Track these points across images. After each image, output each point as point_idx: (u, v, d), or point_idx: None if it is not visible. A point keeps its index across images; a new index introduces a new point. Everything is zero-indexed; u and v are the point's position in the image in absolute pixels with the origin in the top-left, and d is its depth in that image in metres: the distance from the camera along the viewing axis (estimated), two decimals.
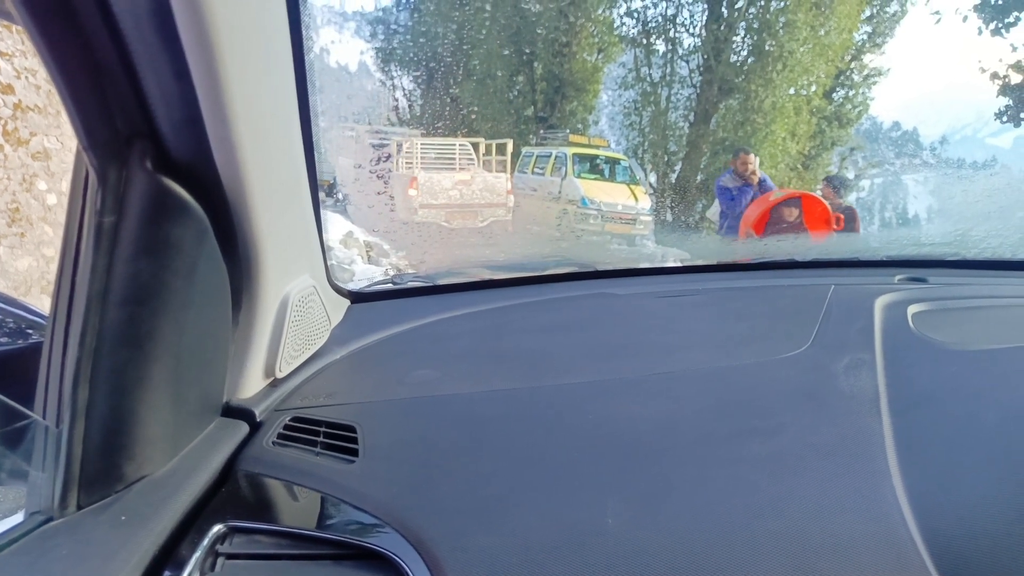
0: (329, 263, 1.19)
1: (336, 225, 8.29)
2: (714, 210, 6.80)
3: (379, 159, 15.72)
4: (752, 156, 6.12)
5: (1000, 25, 8.89)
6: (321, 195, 1.06)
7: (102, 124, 0.68)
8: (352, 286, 1.37)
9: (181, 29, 0.66)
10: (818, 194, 5.85)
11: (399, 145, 14.79)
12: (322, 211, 1.10)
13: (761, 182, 6.02)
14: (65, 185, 3.21)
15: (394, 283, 1.50)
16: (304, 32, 0.86)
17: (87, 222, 0.71)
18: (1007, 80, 9.08)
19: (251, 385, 0.97)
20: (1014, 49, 9.20)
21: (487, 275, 1.55)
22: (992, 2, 8.89)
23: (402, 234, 11.66)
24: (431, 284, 1.48)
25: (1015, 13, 8.78)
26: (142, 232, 0.70)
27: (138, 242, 0.70)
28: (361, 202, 13.56)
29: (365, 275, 6.66)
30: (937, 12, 9.97)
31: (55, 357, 0.74)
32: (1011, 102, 9.18)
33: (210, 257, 0.79)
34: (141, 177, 0.70)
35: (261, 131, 0.80)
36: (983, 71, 9.57)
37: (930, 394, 0.98)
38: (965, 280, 1.58)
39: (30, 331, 1.05)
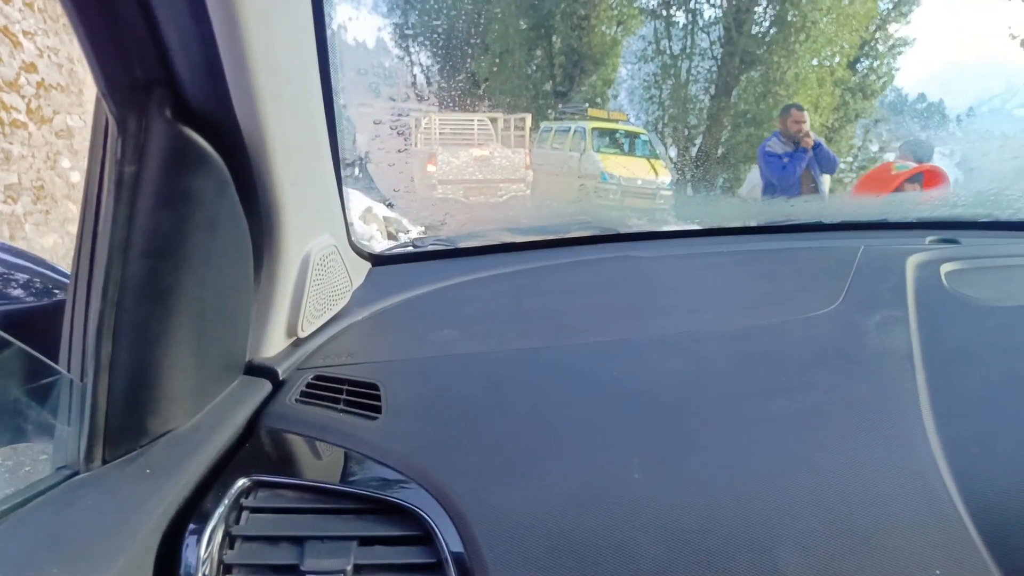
0: (349, 224, 1.19)
1: (355, 201, 8.30)
2: (750, 186, 6.36)
3: (397, 134, 15.74)
4: (805, 113, 5.33)
5: None
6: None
7: (121, 69, 0.67)
8: (372, 248, 1.36)
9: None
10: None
11: (417, 121, 14.79)
12: (342, 172, 1.10)
13: (816, 146, 5.28)
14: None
15: (415, 246, 1.49)
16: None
17: (107, 172, 0.70)
18: None
19: (273, 344, 0.97)
20: None
21: (508, 238, 1.54)
22: None
23: (421, 209, 11.67)
24: (452, 247, 1.48)
25: None
26: (163, 182, 0.69)
27: (159, 193, 0.69)
28: (379, 177, 13.60)
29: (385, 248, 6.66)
30: None
31: (78, 310, 0.74)
32: None
33: (231, 211, 0.79)
34: (161, 125, 0.69)
35: (281, 81, 0.79)
36: (1013, 38, 9.31)
37: (966, 350, 0.96)
38: (999, 241, 1.54)
39: (56, 291, 1.06)
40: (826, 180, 5.44)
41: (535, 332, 1.11)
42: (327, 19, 0.88)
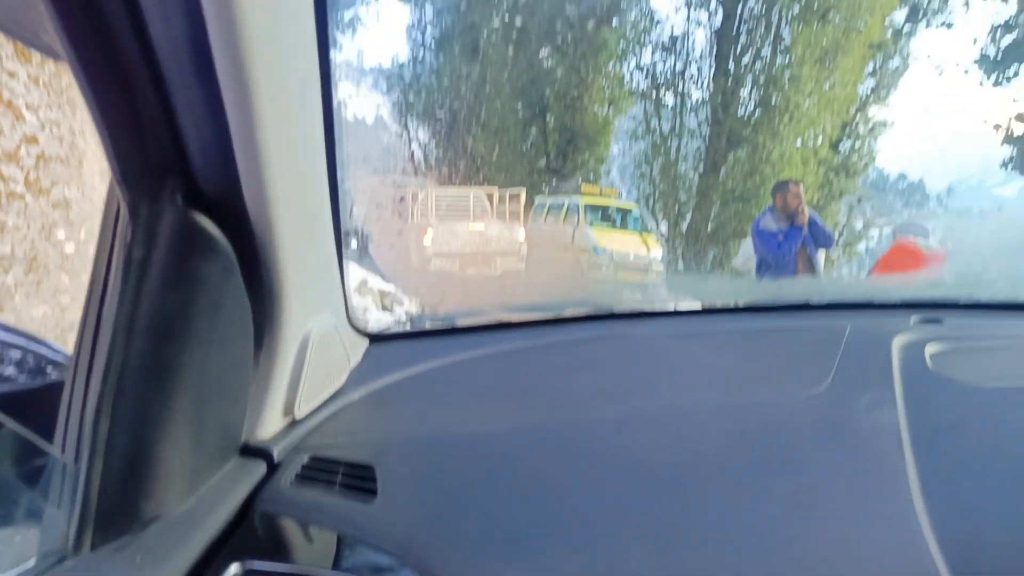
0: (348, 299, 1.20)
1: (351, 273, 8.30)
2: (744, 257, 6.28)
3: (394, 209, 15.93)
4: (801, 188, 5.15)
5: (1001, 77, 9.01)
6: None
7: (136, 158, 0.69)
8: (370, 327, 1.37)
9: (218, 67, 0.67)
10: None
11: (414, 195, 14.99)
12: (344, 249, 1.11)
13: (811, 222, 5.08)
14: (84, 233, 3.26)
15: (412, 324, 1.51)
16: (333, 77, 0.87)
17: (116, 256, 0.72)
18: (1010, 131, 9.16)
19: (270, 425, 0.97)
20: (1015, 100, 9.30)
21: (504, 317, 1.55)
22: (991, 57, 9.01)
23: (416, 282, 11.71)
24: (449, 326, 1.49)
25: (1015, 65, 8.90)
26: (171, 266, 0.70)
27: (166, 276, 0.70)
28: (375, 251, 13.69)
29: (380, 322, 6.65)
30: (939, 66, 10.11)
31: (77, 391, 0.74)
32: (1015, 152, 9.25)
33: (235, 292, 0.79)
34: (172, 211, 0.70)
35: (290, 167, 0.81)
36: (986, 122, 9.66)
37: (952, 429, 0.98)
38: (981, 321, 1.58)
39: (50, 369, 1.05)
40: (820, 256, 5.34)
41: (532, 411, 1.11)
42: (335, 103, 0.90)
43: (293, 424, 1.02)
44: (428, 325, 1.52)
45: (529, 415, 1.10)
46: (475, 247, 13.26)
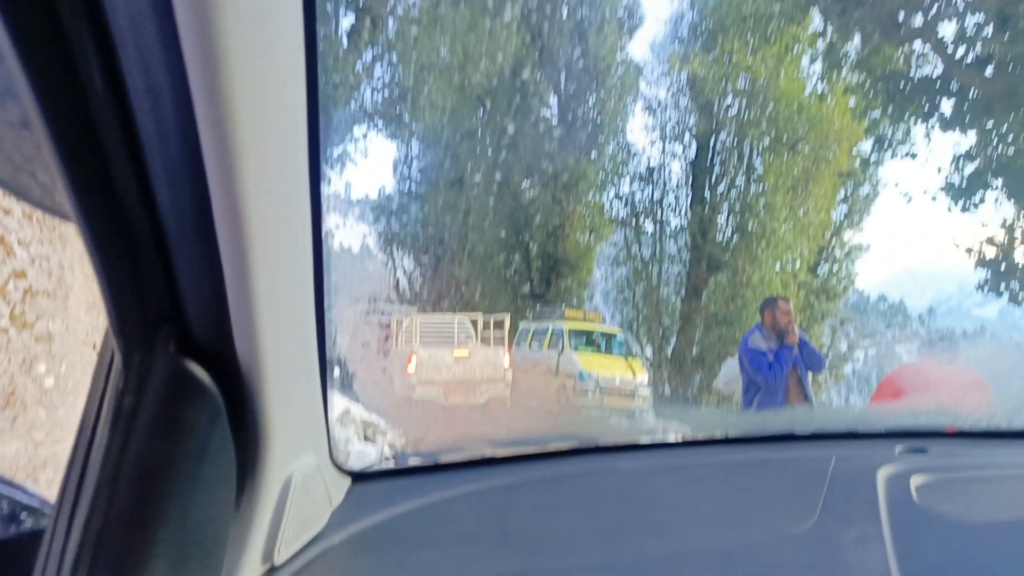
0: (331, 437, 1.19)
1: (333, 404, 8.16)
2: (726, 378, 5.65)
3: (378, 336, 15.89)
4: (791, 304, 4.98)
5: (967, 203, 9.42)
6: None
7: (134, 310, 0.71)
8: (353, 465, 1.36)
9: (218, 225, 0.70)
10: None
11: (399, 322, 15.00)
12: (328, 390, 1.11)
13: (801, 342, 4.87)
14: (64, 367, 3.23)
15: (395, 462, 1.49)
16: (324, 220, 0.89)
17: (107, 402, 0.72)
18: (982, 254, 9.47)
19: (248, 571, 0.94)
20: (984, 225, 9.69)
21: (489, 451, 1.54)
22: (956, 185, 9.47)
23: (400, 411, 11.53)
24: (432, 462, 1.48)
25: (979, 192, 9.33)
26: (160, 414, 0.71)
27: (155, 423, 0.70)
28: (359, 380, 13.52)
29: (362, 454, 6.50)
30: (907, 193, 10.59)
31: (57, 541, 0.72)
32: (989, 275, 9.52)
33: (221, 438, 0.80)
34: (164, 360, 0.72)
35: (282, 314, 0.83)
36: (958, 246, 10.01)
37: (940, 568, 0.97)
38: (966, 450, 1.58)
39: (25, 515, 1.02)
40: (809, 379, 5.08)
41: (517, 555, 1.08)
42: (325, 246, 0.92)
43: (272, 571, 1.00)
44: (411, 461, 1.50)
45: (514, 559, 1.07)
46: (459, 374, 13.16)
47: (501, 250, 20.78)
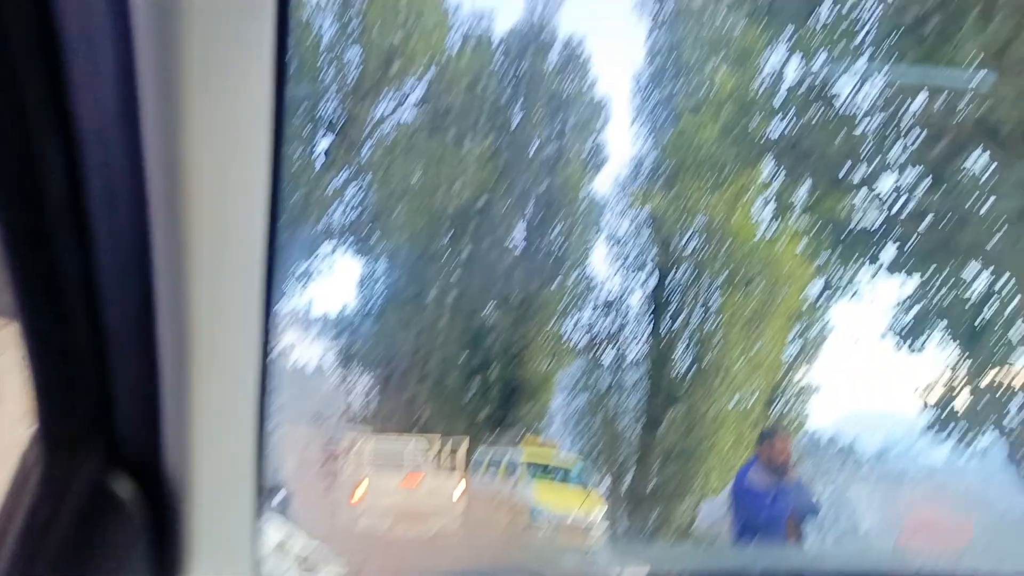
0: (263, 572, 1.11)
1: (273, 530, 7.74)
2: (711, 520, 5.24)
3: (326, 459, 15.35)
4: (791, 440, 4.62)
5: (912, 347, 9.75)
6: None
7: (63, 417, 0.69)
8: None
9: (161, 337, 0.69)
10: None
11: (349, 445, 14.58)
12: (264, 515, 1.05)
13: (798, 484, 4.50)
14: None
15: None
16: (273, 337, 0.86)
17: (19, 515, 0.68)
18: (927, 399, 9.72)
19: None
20: (928, 369, 10.00)
21: None
22: (900, 329, 9.84)
23: (344, 542, 10.97)
24: None
25: (923, 336, 9.68)
26: (75, 530, 0.67)
27: (69, 540, 0.67)
28: (302, 506, 12.92)
29: None
30: (854, 335, 10.97)
31: None
32: (934, 418, 9.72)
33: (139, 561, 0.75)
34: (88, 471, 0.69)
35: (220, 432, 0.80)
36: (902, 389, 10.29)
37: None
38: None
39: None
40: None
41: None
42: (274, 367, 0.90)
43: None
44: None
45: None
46: (410, 504, 12.68)
47: (461, 374, 20.65)
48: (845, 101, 9.23)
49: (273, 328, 0.84)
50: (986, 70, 7.42)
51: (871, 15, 8.76)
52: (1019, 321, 8.50)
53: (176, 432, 0.74)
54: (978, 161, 8.28)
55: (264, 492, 0.99)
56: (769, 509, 4.24)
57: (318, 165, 18.87)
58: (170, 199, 0.65)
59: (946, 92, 7.89)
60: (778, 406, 21.63)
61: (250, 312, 0.80)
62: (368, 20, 18.41)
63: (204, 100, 0.64)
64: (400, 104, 19.95)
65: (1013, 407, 8.94)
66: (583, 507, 13.59)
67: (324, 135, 19.13)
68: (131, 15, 0.61)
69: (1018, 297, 8.15)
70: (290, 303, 22.32)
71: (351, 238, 20.19)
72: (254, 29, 0.66)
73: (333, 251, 20.19)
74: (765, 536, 4.17)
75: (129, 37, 0.62)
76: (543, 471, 14.62)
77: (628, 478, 19.97)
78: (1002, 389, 9.06)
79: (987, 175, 7.84)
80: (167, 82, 0.63)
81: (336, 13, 18.69)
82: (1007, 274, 8.38)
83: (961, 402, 9.57)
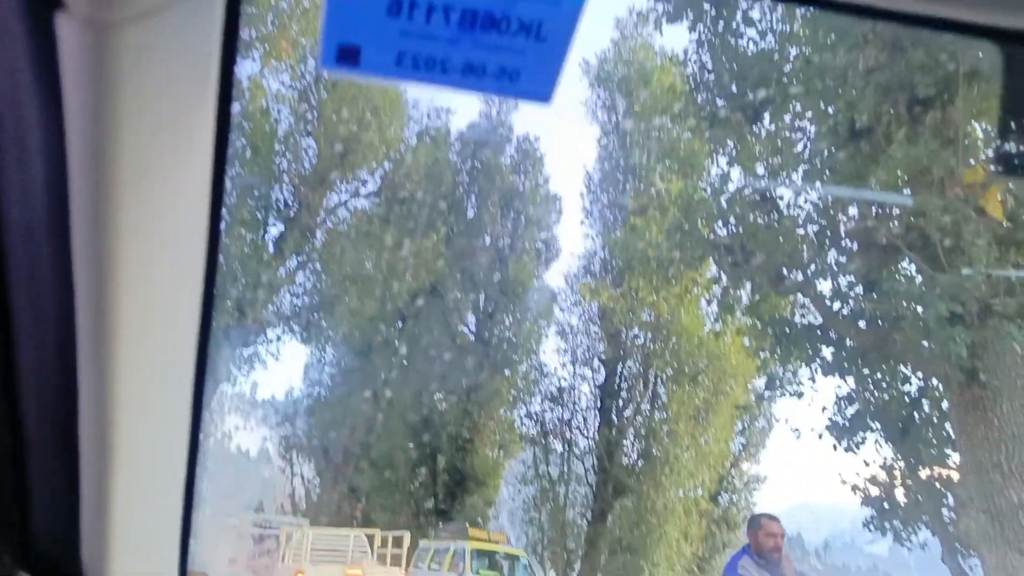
0: None
1: None
2: None
3: (264, 549, 14.73)
4: (780, 525, 4.22)
5: (850, 443, 10.07)
6: None
7: None
8: None
9: (83, 440, 0.69)
10: None
11: (288, 535, 14.07)
12: None
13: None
14: None
15: None
16: (201, 431, 0.84)
17: None
18: (867, 492, 9.98)
19: None
20: (867, 464, 10.31)
21: None
22: (839, 424, 10.18)
23: None
24: None
25: (860, 433, 10.02)
26: None
27: None
28: None
29: None
30: (796, 429, 11.29)
31: None
32: (874, 513, 9.97)
33: None
34: None
35: (143, 533, 0.79)
36: (844, 483, 10.53)
37: None
38: None
39: None
40: None
41: None
42: (203, 459, 0.87)
43: None
44: None
45: None
46: None
47: (407, 462, 20.29)
48: (785, 208, 9.84)
49: (200, 422, 0.82)
50: (911, 187, 8.06)
51: (806, 132, 9.51)
52: (948, 422, 8.91)
53: (95, 531, 0.72)
54: (907, 270, 8.84)
55: None
56: None
57: (268, 251, 18.75)
58: (96, 292, 0.63)
59: (876, 207, 8.51)
60: (726, 497, 21.77)
61: (178, 407, 0.78)
62: (325, 111, 18.75)
63: (137, 190, 0.62)
64: (354, 194, 20.21)
65: (947, 502, 9.23)
66: None
67: (275, 222, 19.10)
68: (62, 101, 0.59)
69: (947, 398, 8.55)
70: (233, 389, 21.81)
71: (299, 325, 19.97)
72: (193, 119, 0.65)
73: (279, 337, 19.90)
74: None
75: (61, 128, 0.59)
76: (489, 564, 14.29)
77: (575, 571, 19.62)
78: (937, 484, 9.37)
79: (915, 283, 8.34)
80: (98, 175, 0.60)
81: (293, 103, 19.02)
82: (934, 377, 8.84)
83: (899, 496, 9.85)
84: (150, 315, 0.68)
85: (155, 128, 0.62)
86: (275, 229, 19.18)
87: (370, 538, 14.33)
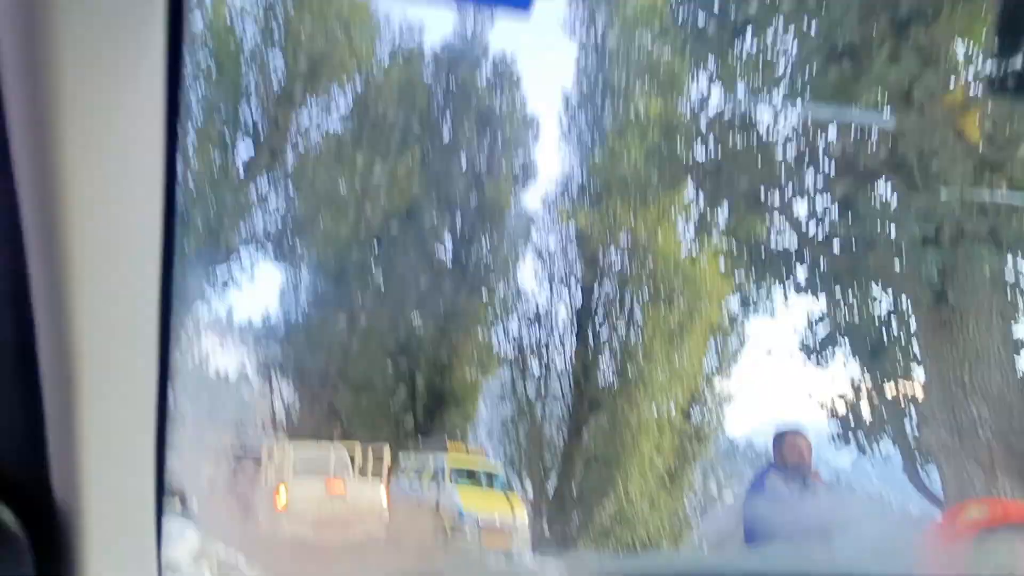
0: None
1: (189, 539, 7.49)
2: (716, 534, 4.19)
3: (246, 467, 14.95)
4: (806, 438, 4.13)
5: (820, 361, 10.32)
6: (176, 506, 0.91)
7: None
8: None
9: (42, 353, 0.66)
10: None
11: (270, 452, 14.27)
12: (170, 526, 0.95)
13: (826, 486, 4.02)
14: None
15: None
16: (171, 340, 0.80)
17: None
18: (834, 408, 10.30)
19: None
20: (835, 382, 10.60)
21: None
22: (810, 343, 10.41)
23: (265, 550, 10.72)
24: None
25: (830, 353, 10.26)
26: None
27: None
28: (221, 513, 12.54)
29: None
30: (769, 349, 11.50)
31: None
32: (840, 428, 10.33)
33: None
34: None
35: (112, 452, 0.76)
36: (812, 400, 10.85)
37: None
38: None
39: None
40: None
41: None
42: (174, 370, 0.83)
43: None
44: None
45: None
46: (333, 510, 12.51)
47: (386, 381, 20.52)
48: (763, 130, 9.75)
49: (169, 336, 0.79)
50: (891, 108, 7.98)
51: (787, 52, 9.32)
52: (915, 342, 9.13)
53: (63, 452, 0.70)
54: (883, 193, 8.87)
55: (163, 511, 0.93)
56: (794, 515, 3.79)
57: (239, 173, 18.29)
58: (47, 209, 0.60)
59: (855, 129, 8.44)
60: (697, 413, 22.44)
61: (144, 322, 0.75)
62: (292, 28, 17.95)
63: (88, 100, 0.59)
64: (326, 114, 19.62)
65: (911, 417, 9.57)
66: (507, 511, 13.74)
67: (246, 142, 18.53)
68: None
69: (915, 319, 8.73)
70: (209, 312, 21.68)
71: (272, 248, 19.71)
72: (144, 31, 0.61)
73: (254, 260, 19.64)
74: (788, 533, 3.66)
75: None
76: (468, 476, 14.70)
77: (552, 484, 20.29)
78: (901, 401, 9.70)
79: (890, 206, 8.37)
80: (41, 86, 0.57)
81: (261, 19, 18.12)
82: (904, 298, 9.01)
83: (864, 412, 10.19)
84: (108, 230, 0.65)
85: (98, 50, 0.58)
86: (244, 151, 18.67)
87: (351, 454, 14.56)
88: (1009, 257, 7.68)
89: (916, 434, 9.37)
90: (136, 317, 0.73)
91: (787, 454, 4.06)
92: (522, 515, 14.15)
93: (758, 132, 9.74)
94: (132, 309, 0.72)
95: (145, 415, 0.80)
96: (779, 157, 9.44)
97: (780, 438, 4.17)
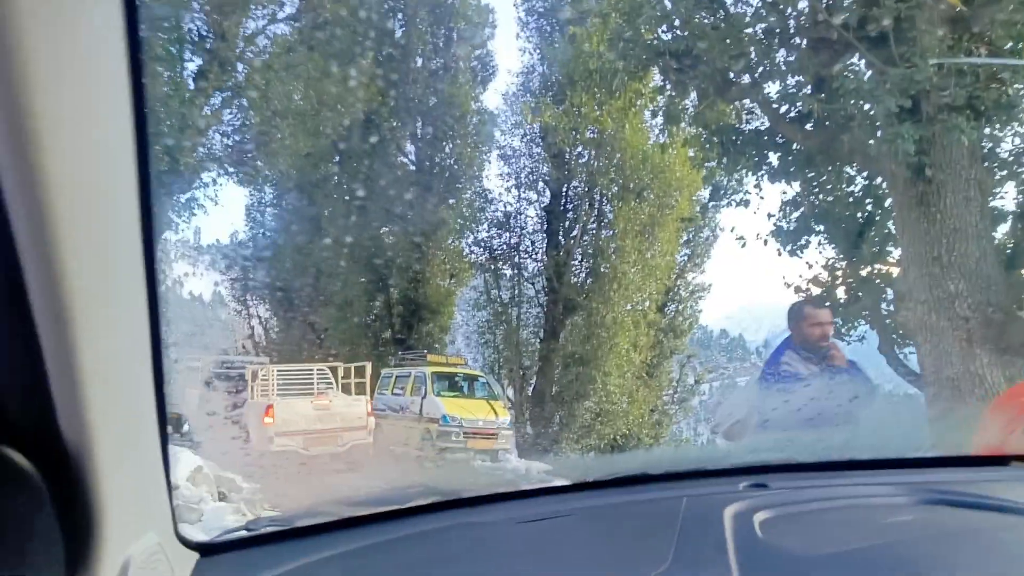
0: (175, 507, 1.09)
1: (184, 461, 7.66)
2: (728, 422, 4.03)
3: (232, 389, 15.20)
4: (828, 312, 3.74)
5: (794, 247, 10.32)
6: (169, 431, 0.98)
7: None
8: (202, 536, 1.26)
9: (32, 296, 0.65)
10: None
11: (254, 373, 14.42)
12: (170, 450, 1.03)
13: (851, 365, 3.64)
14: None
15: (248, 529, 1.39)
16: (157, 269, 0.84)
17: None
18: (809, 292, 10.38)
19: None
20: (810, 267, 10.65)
21: (348, 511, 1.49)
22: (784, 228, 10.37)
23: (257, 466, 10.99)
24: (288, 527, 1.40)
25: (805, 237, 10.25)
26: None
27: None
28: (212, 436, 12.82)
29: (216, 515, 6.10)
30: (741, 237, 11.46)
31: None
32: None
33: (46, 527, 0.73)
34: None
35: (113, 382, 0.78)
36: (788, 285, 10.92)
37: None
38: (801, 483, 1.69)
39: None
40: None
41: None
42: (164, 299, 0.87)
43: None
44: (264, 528, 1.41)
45: None
46: (320, 424, 12.77)
47: (361, 296, 20.47)
48: (731, 6, 9.34)
49: (154, 262, 0.82)
50: None
51: None
52: (890, 220, 9.11)
53: (64, 389, 0.70)
54: (857, 67, 8.61)
55: (167, 438, 0.98)
56: (814, 395, 3.41)
57: (189, 88, 17.39)
58: (21, 146, 0.59)
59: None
60: (672, 307, 22.79)
61: (129, 249, 0.78)
62: None
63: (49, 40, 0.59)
64: (272, 19, 18.52)
65: (887, 296, 9.68)
66: (489, 415, 14.07)
67: (192, 56, 17.52)
68: None
69: (891, 196, 8.66)
70: (176, 236, 21.29)
71: (233, 166, 19.03)
72: None
73: (215, 180, 18.98)
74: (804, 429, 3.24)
75: None
76: (449, 385, 14.94)
77: (531, 385, 20.71)
78: (877, 280, 9.78)
79: (864, 80, 8.14)
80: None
81: None
82: (879, 176, 8.92)
83: (839, 293, 10.29)
84: (84, 159, 0.67)
85: None
86: (192, 64, 17.71)
87: (333, 370, 14.78)
88: (987, 128, 7.56)
89: (892, 313, 9.49)
90: (119, 243, 0.76)
91: (805, 329, 3.64)
92: (504, 417, 14.48)
93: (726, 8, 9.34)
94: (115, 237, 0.75)
95: (140, 344, 0.84)
96: (749, 34, 9.08)
97: (797, 310, 3.75)
